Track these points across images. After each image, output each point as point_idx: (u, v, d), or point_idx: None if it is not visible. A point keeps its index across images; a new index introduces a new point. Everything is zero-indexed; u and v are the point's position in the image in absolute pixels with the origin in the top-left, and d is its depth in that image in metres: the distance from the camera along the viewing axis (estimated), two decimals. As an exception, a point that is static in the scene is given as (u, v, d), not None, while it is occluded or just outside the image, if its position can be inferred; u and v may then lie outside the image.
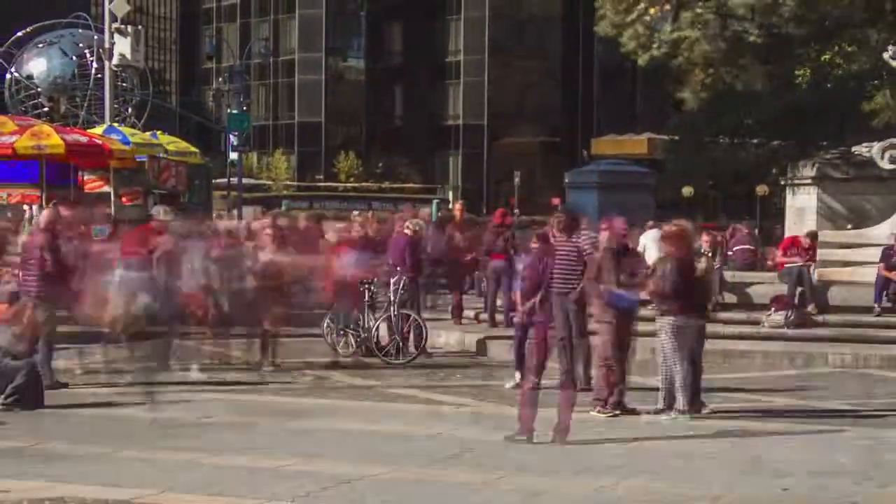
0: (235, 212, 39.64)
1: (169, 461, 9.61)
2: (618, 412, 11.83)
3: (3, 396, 12.15)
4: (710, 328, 17.80)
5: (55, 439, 10.57)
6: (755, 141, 40.71)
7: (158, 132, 33.94)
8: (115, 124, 32.31)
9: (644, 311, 12.63)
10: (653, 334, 12.29)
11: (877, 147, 20.86)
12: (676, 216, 38.53)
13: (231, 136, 49.05)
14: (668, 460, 9.82)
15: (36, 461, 9.55)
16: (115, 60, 33.68)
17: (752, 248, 22.25)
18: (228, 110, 49.45)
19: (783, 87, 37.11)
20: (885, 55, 21.38)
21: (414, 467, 9.38)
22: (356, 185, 75.52)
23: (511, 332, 14.26)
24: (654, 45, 32.36)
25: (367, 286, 16.52)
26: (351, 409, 12.72)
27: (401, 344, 16.39)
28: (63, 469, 9.21)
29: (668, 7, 32.37)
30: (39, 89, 39.29)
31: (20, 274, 14.54)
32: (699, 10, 32.49)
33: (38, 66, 40.46)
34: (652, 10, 31.72)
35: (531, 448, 10.22)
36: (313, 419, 11.91)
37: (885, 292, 18.47)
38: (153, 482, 8.70)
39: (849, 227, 20.42)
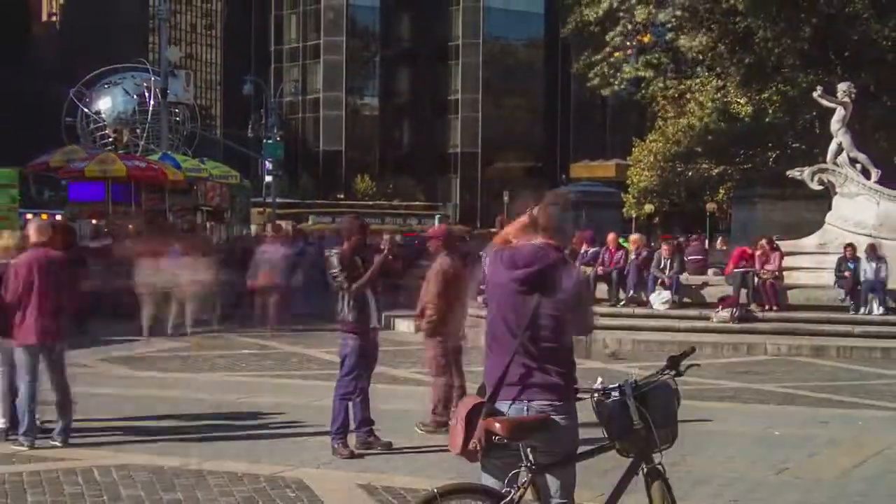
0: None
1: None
2: None
3: None
4: (667, 322, 17.93)
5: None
6: (705, 165, 40.63)
7: (206, 158, 33.98)
8: (170, 152, 32.35)
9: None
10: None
11: (807, 171, 20.86)
12: (639, 230, 38.45)
13: (266, 162, 49.09)
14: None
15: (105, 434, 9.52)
16: (169, 98, 33.81)
17: (702, 257, 22.17)
18: (264, 140, 49.41)
19: (729, 119, 37.27)
20: (815, 94, 21.38)
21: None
22: (371, 202, 75.49)
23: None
24: (616, 83, 32.59)
25: None
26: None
27: None
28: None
29: (630, 52, 32.59)
30: (105, 123, 39.30)
31: None
32: (656, 54, 32.71)
33: (104, 103, 40.47)
34: (616, 54, 31.98)
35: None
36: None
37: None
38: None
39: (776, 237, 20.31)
